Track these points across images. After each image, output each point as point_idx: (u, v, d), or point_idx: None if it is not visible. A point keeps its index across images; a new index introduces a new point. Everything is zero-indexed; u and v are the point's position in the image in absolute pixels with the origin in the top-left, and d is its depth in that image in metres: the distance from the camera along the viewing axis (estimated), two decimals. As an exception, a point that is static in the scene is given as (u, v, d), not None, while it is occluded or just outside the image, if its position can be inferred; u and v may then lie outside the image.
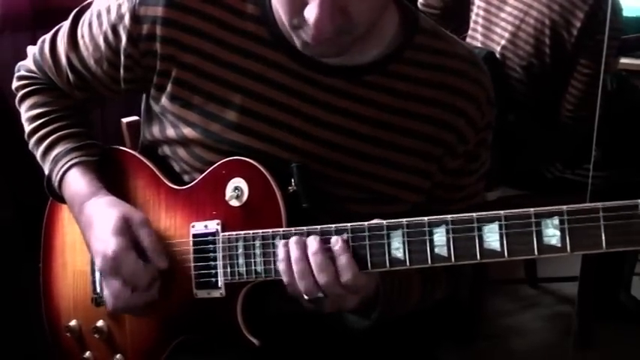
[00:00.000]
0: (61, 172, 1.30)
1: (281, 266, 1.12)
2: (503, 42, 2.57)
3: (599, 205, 0.98)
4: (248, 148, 1.21)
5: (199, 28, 1.21)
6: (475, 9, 2.66)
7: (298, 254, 1.10)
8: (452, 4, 2.71)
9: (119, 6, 1.25)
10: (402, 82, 1.22)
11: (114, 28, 1.25)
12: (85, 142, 1.34)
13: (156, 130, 1.29)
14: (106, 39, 1.27)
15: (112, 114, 1.52)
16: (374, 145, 1.22)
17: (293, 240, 1.11)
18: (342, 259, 1.09)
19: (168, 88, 1.24)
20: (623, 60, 2.63)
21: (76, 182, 1.29)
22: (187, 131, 1.23)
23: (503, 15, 2.58)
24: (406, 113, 1.22)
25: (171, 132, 1.25)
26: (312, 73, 1.20)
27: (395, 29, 1.23)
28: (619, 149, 2.61)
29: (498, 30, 2.59)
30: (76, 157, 1.31)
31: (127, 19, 1.23)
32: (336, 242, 1.09)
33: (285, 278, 1.12)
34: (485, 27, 2.63)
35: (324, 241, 1.10)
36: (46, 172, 1.34)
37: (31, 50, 1.41)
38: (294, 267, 1.10)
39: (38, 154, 1.36)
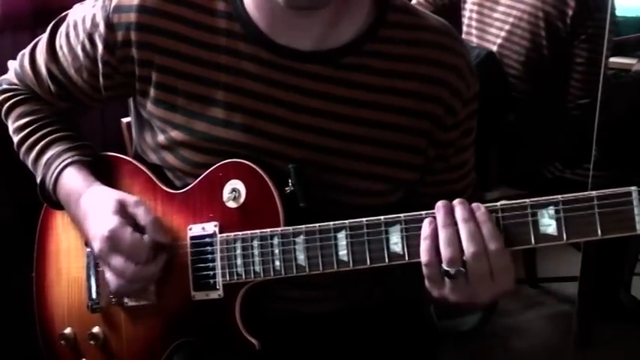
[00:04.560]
0: (55, 174, 1.30)
1: (424, 244, 1.06)
2: (499, 41, 2.58)
3: (593, 193, 1.00)
4: (236, 143, 1.21)
5: (173, 30, 1.22)
6: (467, 13, 2.67)
7: (448, 220, 1.06)
8: (442, 8, 2.72)
9: (94, 15, 1.26)
10: (379, 60, 1.23)
11: (90, 37, 1.27)
12: (77, 143, 1.34)
13: (148, 137, 1.29)
14: (83, 48, 1.28)
15: (112, 114, 1.52)
16: (361, 125, 1.22)
17: (440, 204, 1.07)
18: (487, 227, 1.04)
19: (151, 92, 1.24)
20: (623, 60, 2.64)
21: (72, 180, 1.29)
22: (174, 134, 1.24)
23: (496, 15, 2.60)
24: (388, 90, 1.23)
25: (161, 137, 1.26)
26: (289, 62, 1.21)
27: (367, 10, 1.24)
28: (619, 149, 2.61)
29: (493, 30, 2.60)
30: (69, 158, 1.31)
31: (101, 28, 1.24)
32: (478, 209, 1.06)
33: (424, 257, 1.06)
34: (480, 28, 2.64)
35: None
36: (39, 177, 1.34)
37: (12, 64, 1.42)
38: (442, 233, 1.05)
39: (29, 161, 1.36)
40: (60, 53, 1.32)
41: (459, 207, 1.06)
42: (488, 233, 1.04)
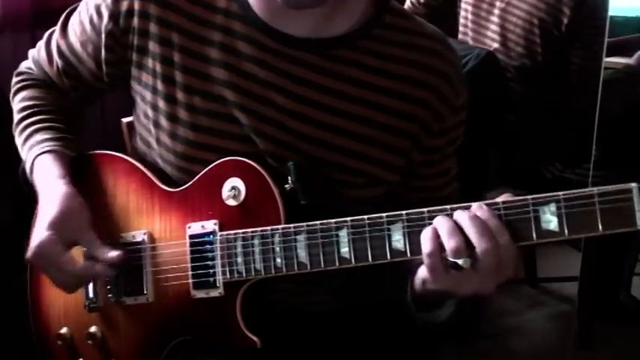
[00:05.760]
0: (32, 158, 1.32)
1: (424, 235, 1.06)
2: (494, 45, 2.60)
3: (594, 190, 1.01)
4: (231, 118, 1.23)
5: (174, 4, 1.25)
6: (463, 12, 2.69)
7: (445, 219, 1.06)
8: (434, 10, 2.73)
9: None
10: (371, 58, 1.24)
11: (98, 9, 1.30)
12: (63, 134, 1.35)
13: (139, 114, 1.31)
14: (91, 21, 1.31)
15: (112, 114, 1.52)
16: (345, 119, 1.23)
17: (438, 218, 1.07)
18: (494, 222, 1.04)
19: (149, 64, 1.26)
20: (622, 60, 2.63)
21: (44, 167, 1.30)
22: (170, 108, 1.25)
23: (492, 18, 2.61)
24: (377, 88, 1.24)
25: (153, 114, 1.27)
26: (280, 46, 1.22)
27: (364, 6, 1.25)
28: (618, 148, 2.61)
29: (489, 33, 2.62)
30: (49, 146, 1.32)
31: None
32: (480, 207, 1.06)
33: (426, 246, 1.06)
34: (475, 31, 2.66)
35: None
36: (23, 158, 1.36)
37: (31, 51, 1.46)
38: (443, 227, 1.05)
39: (19, 143, 1.38)
40: (70, 30, 1.37)
41: (458, 212, 1.07)
42: (495, 228, 1.04)
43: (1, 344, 1.99)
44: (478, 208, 1.06)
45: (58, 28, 1.40)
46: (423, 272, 1.10)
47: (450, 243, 1.04)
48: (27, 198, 1.36)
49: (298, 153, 1.22)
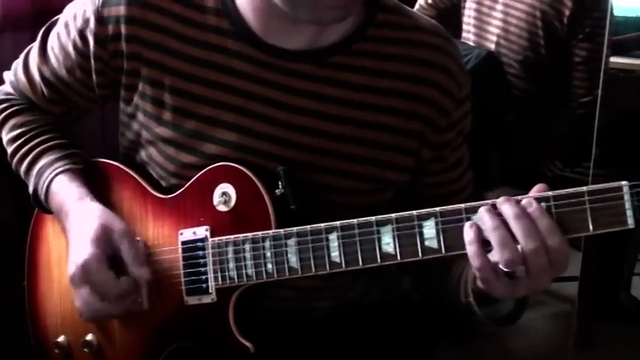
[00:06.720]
0: (47, 182, 1.29)
1: (470, 249, 1.01)
2: (497, 39, 2.60)
3: (584, 189, 0.99)
4: (224, 142, 1.21)
5: (161, 25, 1.22)
6: (467, 11, 2.69)
7: (497, 222, 1.00)
8: (445, 12, 2.73)
9: (84, 11, 1.26)
10: (368, 60, 1.22)
11: (81, 34, 1.27)
12: (69, 151, 1.33)
13: (130, 133, 1.29)
14: (75, 46, 1.28)
15: (112, 114, 1.52)
16: (350, 125, 1.22)
17: (483, 210, 1.02)
18: (545, 222, 0.99)
19: (140, 87, 1.24)
20: (622, 60, 2.63)
21: (63, 190, 1.28)
22: (160, 130, 1.24)
23: (495, 13, 2.61)
24: (377, 90, 1.22)
25: (144, 133, 1.26)
26: (277, 60, 1.21)
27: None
28: (618, 147, 2.61)
29: (491, 28, 2.62)
30: (61, 166, 1.30)
31: (92, 23, 1.25)
32: (530, 205, 1.00)
33: (475, 262, 1.01)
34: (478, 27, 2.66)
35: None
36: (31, 186, 1.33)
37: (7, 75, 1.42)
38: (494, 235, 0.99)
39: (22, 172, 1.35)
40: (51, 54, 1.33)
41: (505, 205, 1.01)
42: (546, 228, 0.99)
43: (1, 349, 1.99)
44: (528, 204, 1.00)
45: (36, 50, 1.35)
46: (480, 283, 1.06)
47: (502, 254, 0.99)
48: (29, 199, 1.36)
49: (304, 165, 1.20)
